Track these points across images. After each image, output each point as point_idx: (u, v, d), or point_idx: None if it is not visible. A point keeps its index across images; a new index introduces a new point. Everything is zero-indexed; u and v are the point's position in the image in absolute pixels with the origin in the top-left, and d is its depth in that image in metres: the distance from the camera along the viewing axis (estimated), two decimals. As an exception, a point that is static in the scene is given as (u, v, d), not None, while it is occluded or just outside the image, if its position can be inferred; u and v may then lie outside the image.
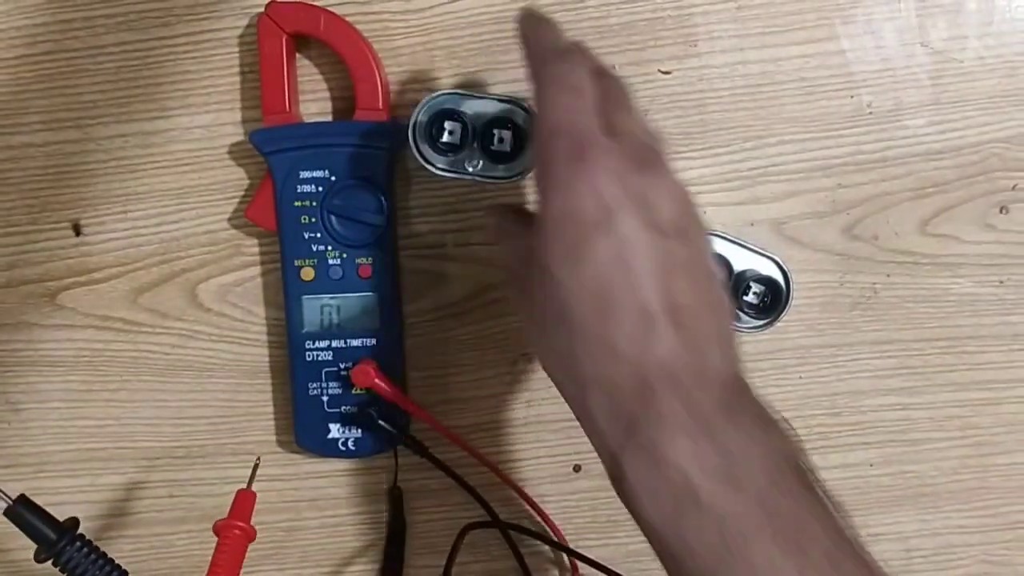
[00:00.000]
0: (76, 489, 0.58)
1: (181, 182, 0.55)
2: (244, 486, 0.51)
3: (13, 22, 0.54)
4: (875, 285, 0.56)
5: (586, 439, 0.57)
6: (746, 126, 0.54)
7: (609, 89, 0.41)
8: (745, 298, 0.49)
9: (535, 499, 0.57)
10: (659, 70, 0.54)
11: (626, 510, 0.58)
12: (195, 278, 0.56)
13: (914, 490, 0.58)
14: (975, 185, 0.55)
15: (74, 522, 0.47)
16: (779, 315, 0.49)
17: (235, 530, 0.48)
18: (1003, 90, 0.54)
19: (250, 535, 0.49)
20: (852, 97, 0.54)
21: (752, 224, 0.55)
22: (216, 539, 0.48)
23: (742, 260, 0.49)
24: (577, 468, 0.58)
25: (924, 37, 0.54)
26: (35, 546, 0.47)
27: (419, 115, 0.47)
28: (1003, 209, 0.55)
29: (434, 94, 0.47)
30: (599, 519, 0.58)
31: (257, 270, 0.56)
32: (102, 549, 0.48)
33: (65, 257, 0.56)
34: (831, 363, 0.56)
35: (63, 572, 0.47)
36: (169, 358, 0.57)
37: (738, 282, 0.49)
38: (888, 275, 0.55)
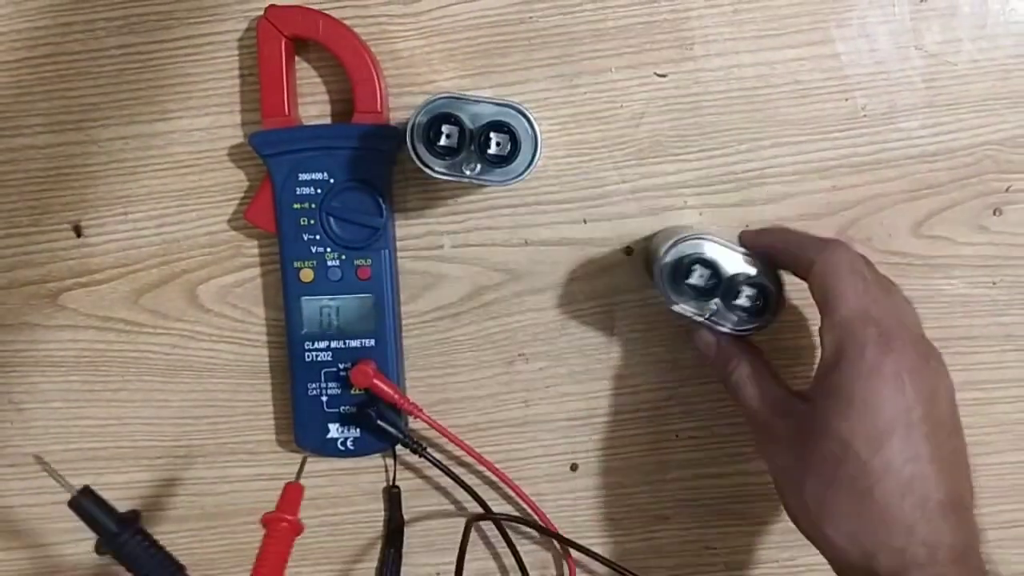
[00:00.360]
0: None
1: (181, 184, 0.56)
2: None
3: (14, 25, 0.54)
4: (869, 286, 0.56)
5: (583, 438, 0.58)
6: (741, 128, 0.55)
7: (875, 274, 0.48)
8: (736, 302, 0.49)
9: (532, 498, 0.57)
10: (655, 73, 0.54)
11: (622, 507, 0.58)
12: (195, 279, 0.56)
13: (908, 489, 0.58)
14: (968, 187, 0.55)
15: (135, 515, 0.48)
16: (771, 318, 0.49)
17: (283, 523, 0.49)
18: (996, 93, 0.54)
19: (297, 528, 0.49)
20: (847, 100, 0.54)
21: (747, 226, 0.55)
22: (264, 531, 0.49)
23: (734, 264, 0.49)
24: (574, 467, 0.58)
25: (918, 40, 0.54)
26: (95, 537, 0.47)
27: (417, 118, 0.48)
28: (996, 211, 0.55)
29: (432, 97, 0.48)
30: (596, 517, 0.59)
31: (257, 271, 0.56)
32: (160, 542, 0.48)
33: (66, 258, 0.56)
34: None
35: (123, 563, 0.47)
36: (170, 358, 0.57)
37: (729, 286, 0.49)
38: (882, 276, 0.56)
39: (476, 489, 0.57)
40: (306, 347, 0.54)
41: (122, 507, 0.58)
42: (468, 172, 0.48)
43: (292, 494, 0.51)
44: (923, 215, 0.55)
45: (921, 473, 0.42)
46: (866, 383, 0.43)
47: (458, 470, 0.57)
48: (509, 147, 0.48)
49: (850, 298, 0.45)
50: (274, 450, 0.58)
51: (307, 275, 0.54)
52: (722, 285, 0.49)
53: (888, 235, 0.55)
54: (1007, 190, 0.55)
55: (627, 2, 0.54)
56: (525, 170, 0.48)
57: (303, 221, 0.53)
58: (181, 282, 0.56)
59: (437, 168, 0.48)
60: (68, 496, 0.47)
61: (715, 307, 0.49)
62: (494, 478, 0.57)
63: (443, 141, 0.48)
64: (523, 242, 0.56)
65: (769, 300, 0.49)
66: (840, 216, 0.55)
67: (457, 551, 0.54)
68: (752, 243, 0.50)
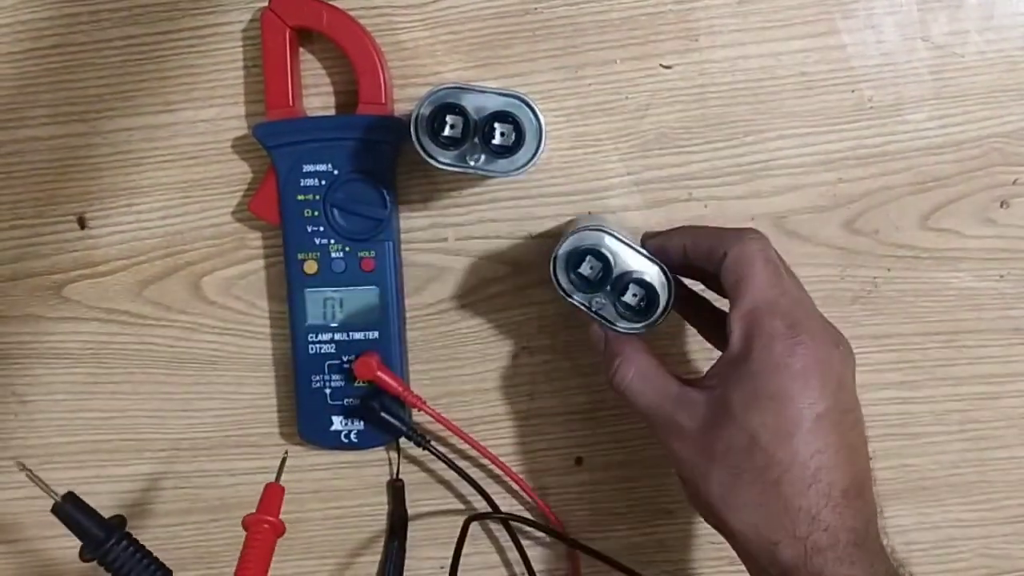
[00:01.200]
0: (81, 481, 0.58)
1: (185, 176, 0.55)
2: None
3: (19, 16, 0.54)
4: (875, 279, 0.56)
5: (587, 431, 0.58)
6: (747, 120, 0.54)
7: (785, 264, 0.47)
8: (623, 298, 0.49)
9: (536, 492, 0.57)
10: (660, 64, 0.54)
11: (627, 501, 0.58)
12: (199, 271, 0.56)
13: (914, 484, 0.58)
14: (975, 179, 0.55)
15: (121, 520, 0.48)
16: (655, 320, 0.49)
17: (264, 524, 0.48)
18: (1004, 85, 0.54)
19: (279, 529, 0.49)
20: (853, 92, 0.54)
21: (753, 218, 0.55)
22: (245, 534, 0.49)
23: (630, 261, 0.49)
24: (579, 461, 0.58)
25: (925, 32, 0.54)
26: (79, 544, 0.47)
27: (421, 109, 0.48)
28: (1003, 204, 0.55)
29: (436, 88, 0.47)
30: (600, 511, 0.59)
31: (261, 263, 0.56)
32: (147, 548, 0.48)
33: (70, 250, 0.56)
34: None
35: (107, 570, 0.47)
36: (174, 351, 0.57)
37: (617, 281, 0.49)
38: (888, 269, 0.56)
39: (480, 483, 0.57)
40: (310, 339, 0.54)
41: (127, 499, 0.58)
42: (472, 163, 0.48)
43: (273, 495, 0.51)
44: (930, 208, 0.55)
45: (827, 464, 0.42)
46: (774, 377, 0.43)
47: (462, 463, 0.57)
48: (513, 138, 0.48)
49: (761, 287, 0.44)
50: (278, 443, 0.58)
51: (311, 267, 0.54)
52: (611, 280, 0.49)
53: (895, 228, 0.55)
54: (1014, 183, 0.55)
55: (632, -7, 0.54)
56: (529, 161, 0.48)
57: (307, 213, 0.53)
58: (185, 274, 0.56)
59: (441, 159, 0.48)
60: (70, 489, 0.46)
61: (602, 301, 0.49)
62: (498, 472, 0.57)
63: (447, 132, 0.48)
64: (527, 234, 0.56)
65: (655, 301, 0.49)
66: (846, 208, 0.55)
67: (462, 549, 0.54)
68: (661, 245, 0.49)
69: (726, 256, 0.46)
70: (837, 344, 0.45)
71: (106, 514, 0.48)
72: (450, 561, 0.55)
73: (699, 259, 0.48)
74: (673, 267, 0.48)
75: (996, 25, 0.54)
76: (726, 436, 0.43)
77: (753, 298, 0.44)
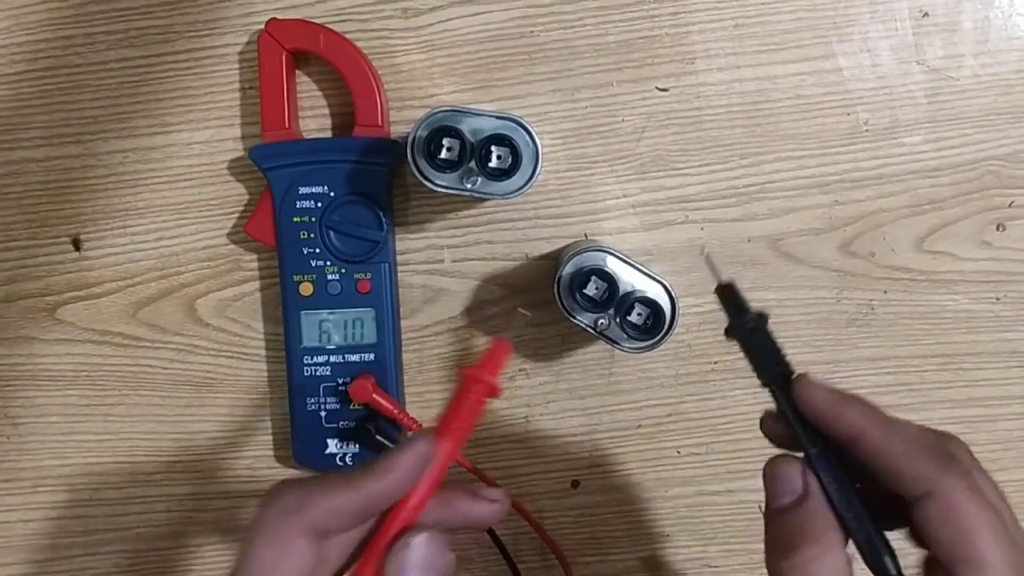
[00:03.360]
0: (75, 504, 0.58)
1: (181, 197, 0.55)
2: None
3: (15, 38, 0.54)
4: (872, 301, 0.56)
5: (584, 454, 0.58)
6: (743, 143, 0.54)
7: (995, 489, 0.36)
8: (628, 318, 0.49)
9: (533, 514, 0.57)
10: (657, 87, 0.54)
11: (623, 524, 0.58)
12: (194, 293, 0.56)
13: (911, 507, 0.58)
14: (971, 202, 0.55)
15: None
16: (660, 338, 0.49)
17: (480, 383, 0.40)
18: (999, 108, 0.54)
19: (495, 391, 0.41)
20: (848, 115, 0.54)
21: (749, 240, 0.55)
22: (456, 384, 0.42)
23: (632, 281, 0.49)
24: (575, 484, 0.58)
25: (920, 55, 0.54)
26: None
27: (418, 131, 0.48)
28: (1000, 226, 0.55)
29: (433, 110, 0.47)
30: (596, 535, 0.58)
31: (256, 285, 0.56)
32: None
33: (65, 272, 0.56)
34: (828, 379, 0.56)
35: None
36: (168, 373, 0.57)
37: (622, 301, 0.49)
38: (885, 292, 0.56)
39: (476, 505, 0.56)
40: (305, 361, 0.54)
41: (120, 522, 0.58)
42: (469, 185, 0.48)
43: (499, 352, 0.42)
44: (926, 230, 0.55)
45: None
46: None
47: (458, 486, 0.56)
48: (510, 161, 0.48)
49: (998, 549, 0.33)
50: (272, 466, 0.57)
51: (307, 289, 0.53)
52: (616, 299, 0.49)
53: (891, 250, 0.55)
54: (1010, 205, 0.55)
55: (628, 16, 0.54)
56: (526, 184, 0.48)
57: (303, 235, 0.53)
58: (180, 296, 0.56)
59: (438, 181, 0.48)
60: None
61: (606, 321, 0.49)
62: (494, 494, 0.57)
63: (444, 154, 0.48)
64: (524, 256, 0.56)
65: (660, 320, 0.49)
66: (842, 231, 0.55)
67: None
68: (831, 417, 0.36)
69: (931, 498, 0.33)
70: None
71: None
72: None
73: (882, 470, 0.35)
74: (831, 443, 0.36)
75: (991, 49, 0.54)
76: None
77: (996, 568, 0.32)
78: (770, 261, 0.55)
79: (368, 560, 0.37)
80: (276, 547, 0.35)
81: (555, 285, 0.50)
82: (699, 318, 0.56)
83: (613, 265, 0.50)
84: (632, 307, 0.49)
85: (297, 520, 0.35)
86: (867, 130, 0.54)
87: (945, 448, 0.35)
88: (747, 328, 0.38)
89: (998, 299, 0.56)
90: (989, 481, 0.36)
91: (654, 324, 0.49)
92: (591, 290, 0.49)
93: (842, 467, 0.35)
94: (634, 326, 0.49)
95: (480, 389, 0.40)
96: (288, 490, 0.36)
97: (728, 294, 0.38)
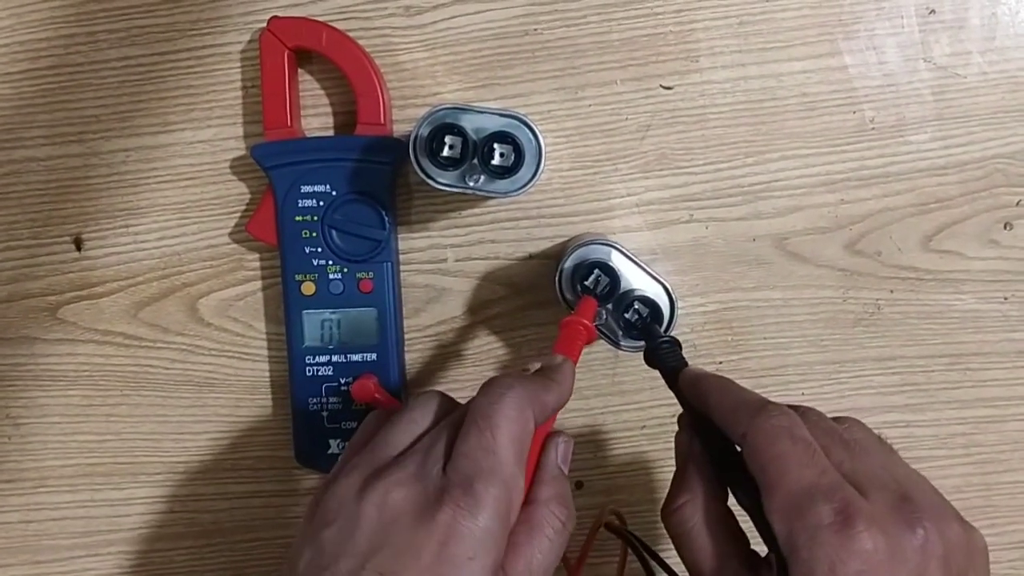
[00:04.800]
0: (76, 504, 0.58)
1: (183, 196, 0.55)
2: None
3: (16, 37, 0.54)
4: (878, 301, 0.55)
5: (588, 455, 0.57)
6: (748, 141, 0.54)
7: (831, 435, 0.39)
8: (625, 315, 0.49)
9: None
10: (661, 85, 0.54)
11: (628, 526, 0.57)
12: (196, 292, 0.56)
13: (918, 508, 0.57)
14: (979, 201, 0.54)
15: None
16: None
17: (580, 326, 0.47)
18: (1007, 106, 0.54)
19: (592, 334, 0.48)
20: (854, 113, 0.54)
21: (754, 239, 0.55)
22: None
23: (634, 279, 0.49)
24: (579, 485, 0.57)
25: (927, 53, 0.54)
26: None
27: (420, 129, 0.47)
28: (1007, 225, 0.55)
29: (435, 108, 0.47)
30: (601, 535, 0.58)
31: (258, 284, 0.56)
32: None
33: (66, 271, 0.56)
34: (834, 380, 0.56)
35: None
36: (169, 373, 0.57)
37: (622, 299, 0.49)
38: (891, 291, 0.55)
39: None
40: (307, 361, 0.54)
41: (122, 523, 0.57)
42: (471, 184, 0.48)
43: (590, 304, 0.48)
44: (933, 229, 0.55)
45: None
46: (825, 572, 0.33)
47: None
48: (513, 159, 0.47)
49: (792, 471, 0.36)
50: (274, 466, 0.57)
51: (309, 288, 0.53)
52: (616, 295, 0.49)
53: (897, 249, 0.55)
54: (1018, 204, 0.54)
55: (632, 14, 0.53)
56: (529, 182, 0.48)
57: (305, 234, 0.53)
58: (182, 295, 0.56)
59: (440, 180, 0.48)
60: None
61: (603, 315, 0.49)
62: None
63: (446, 152, 0.47)
64: (527, 255, 0.55)
65: (659, 320, 0.49)
66: (848, 230, 0.55)
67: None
68: (689, 392, 0.43)
69: (744, 439, 0.38)
70: (916, 526, 0.35)
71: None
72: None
73: (723, 427, 0.40)
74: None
75: (998, 46, 0.53)
76: None
77: (786, 486, 0.36)
78: (775, 260, 0.55)
79: (533, 452, 0.41)
80: (522, 425, 0.39)
81: (557, 276, 0.50)
82: (704, 318, 0.55)
83: (617, 260, 0.49)
84: (631, 305, 0.49)
85: (530, 409, 0.40)
86: (873, 128, 0.54)
87: (763, 402, 0.39)
88: (659, 345, 0.47)
89: (1006, 298, 0.55)
90: (826, 430, 0.39)
91: (652, 323, 0.49)
92: (592, 283, 0.49)
93: (717, 434, 0.41)
94: (632, 324, 0.49)
95: (580, 331, 0.47)
96: (520, 384, 0.40)
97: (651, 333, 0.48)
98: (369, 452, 0.40)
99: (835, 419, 0.41)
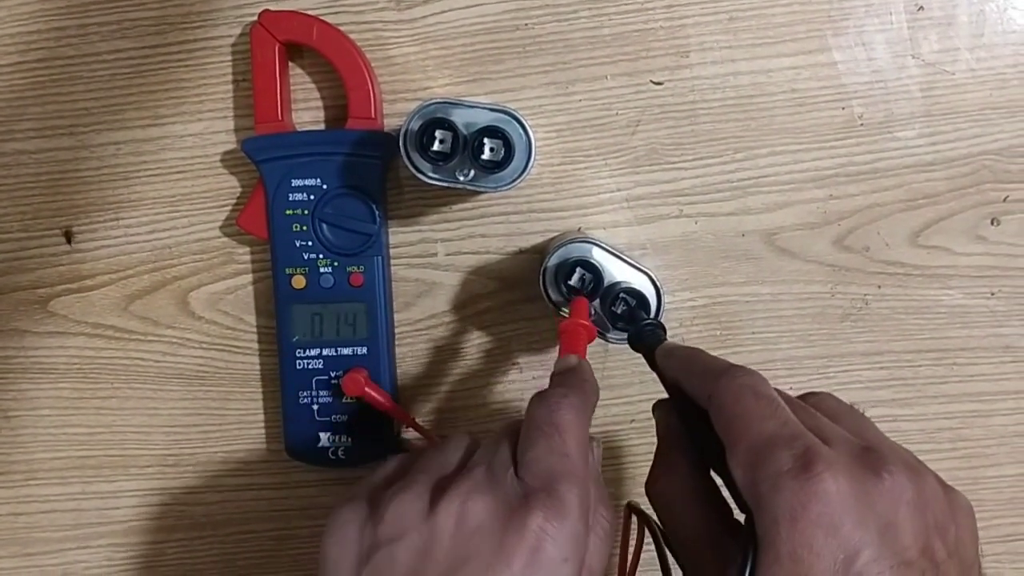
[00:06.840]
0: (66, 497, 0.58)
1: (173, 190, 0.55)
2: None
3: (7, 29, 0.54)
4: (866, 296, 0.56)
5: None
6: (737, 137, 0.54)
7: (801, 405, 0.39)
8: (614, 309, 0.49)
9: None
10: (651, 81, 0.54)
11: (619, 519, 0.58)
12: (187, 286, 0.56)
13: (905, 502, 0.57)
14: (966, 197, 0.55)
15: None
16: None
17: (579, 327, 0.47)
18: (994, 102, 0.54)
19: (592, 332, 0.48)
20: (843, 109, 0.54)
21: (743, 235, 0.55)
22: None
23: (617, 272, 0.50)
24: (568, 478, 0.58)
25: (915, 49, 0.54)
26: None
27: (410, 124, 0.47)
28: (994, 221, 0.55)
29: (425, 103, 0.47)
30: (590, 529, 0.58)
31: (248, 278, 0.56)
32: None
33: (57, 264, 0.56)
34: (822, 374, 0.56)
35: None
36: (160, 366, 0.57)
37: (607, 293, 0.49)
38: (879, 286, 0.56)
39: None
40: (297, 355, 0.54)
41: (112, 515, 0.58)
42: (462, 178, 0.48)
43: (582, 304, 0.49)
44: (920, 225, 0.55)
45: None
46: (789, 530, 0.33)
47: (451, 480, 0.56)
48: (503, 153, 0.47)
49: (754, 424, 0.36)
50: (265, 459, 0.57)
51: (299, 282, 0.53)
52: (601, 290, 0.50)
53: (885, 245, 0.55)
54: (1005, 200, 0.55)
55: (623, 10, 0.53)
56: (519, 176, 0.48)
57: (296, 227, 0.53)
58: (172, 289, 0.56)
59: (430, 174, 0.48)
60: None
61: (592, 312, 0.50)
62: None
63: (436, 146, 0.47)
64: (517, 250, 0.55)
65: (646, 310, 0.49)
66: (837, 225, 0.55)
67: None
68: (664, 365, 0.44)
69: (711, 400, 0.38)
70: (881, 470, 0.34)
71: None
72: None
73: (696, 397, 0.40)
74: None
75: (986, 43, 0.54)
76: None
77: (748, 439, 0.35)
78: (764, 255, 0.55)
79: None
80: (584, 429, 0.40)
81: (540, 276, 0.50)
82: (693, 312, 0.56)
83: (599, 256, 0.50)
84: (618, 297, 0.49)
85: (586, 413, 0.41)
86: (862, 124, 0.54)
87: (728, 365, 0.40)
88: (642, 328, 0.48)
89: (992, 294, 0.56)
90: (800, 405, 0.39)
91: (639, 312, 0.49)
92: (576, 281, 0.49)
93: (692, 406, 0.41)
94: (619, 316, 0.49)
95: (580, 332, 0.47)
96: (572, 391, 0.41)
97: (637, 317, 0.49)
98: (420, 472, 0.40)
99: (807, 394, 0.42)
